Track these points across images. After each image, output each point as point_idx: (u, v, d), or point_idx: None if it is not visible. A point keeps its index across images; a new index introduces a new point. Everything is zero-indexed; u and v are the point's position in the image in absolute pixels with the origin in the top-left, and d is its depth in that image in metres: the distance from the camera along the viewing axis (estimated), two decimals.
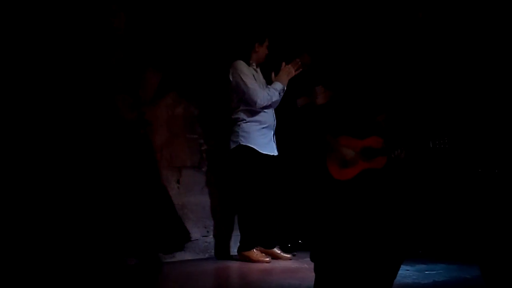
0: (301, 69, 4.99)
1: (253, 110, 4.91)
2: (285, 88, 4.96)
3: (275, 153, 5.01)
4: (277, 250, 4.97)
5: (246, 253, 4.85)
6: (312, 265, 3.23)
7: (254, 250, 4.86)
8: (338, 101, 3.94)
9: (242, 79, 4.86)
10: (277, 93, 4.90)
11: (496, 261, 3.00)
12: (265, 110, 4.94)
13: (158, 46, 4.97)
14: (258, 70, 5.08)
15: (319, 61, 5.06)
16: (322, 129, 4.02)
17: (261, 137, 4.92)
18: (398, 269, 3.13)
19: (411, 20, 3.84)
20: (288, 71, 4.95)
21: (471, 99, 3.75)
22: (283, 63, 4.96)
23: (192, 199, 5.09)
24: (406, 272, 3.95)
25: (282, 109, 5.13)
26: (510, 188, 3.05)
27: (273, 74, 4.99)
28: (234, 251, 5.10)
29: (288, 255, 4.97)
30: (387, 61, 3.90)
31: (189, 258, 4.99)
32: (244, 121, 4.90)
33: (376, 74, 3.69)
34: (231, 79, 4.90)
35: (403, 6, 3.75)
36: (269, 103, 4.89)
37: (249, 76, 4.89)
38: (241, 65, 4.91)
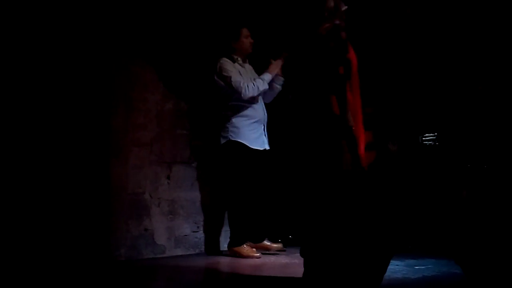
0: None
1: (241, 105, 4.90)
2: (282, 81, 5.01)
3: (267, 147, 5.00)
4: (266, 242, 4.99)
5: (236, 248, 4.85)
6: (302, 260, 3.25)
7: (245, 246, 4.86)
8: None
9: (223, 75, 4.87)
10: (263, 82, 4.90)
11: (473, 256, 3.03)
12: (253, 105, 4.93)
13: (148, 41, 4.95)
14: (246, 64, 5.08)
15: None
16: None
17: (251, 132, 4.91)
18: (387, 264, 3.15)
19: (400, 16, 3.85)
20: (277, 63, 5.01)
21: (461, 95, 3.76)
22: (271, 60, 5.01)
23: (182, 195, 5.08)
24: (396, 267, 3.96)
25: (276, 103, 5.14)
26: (498, 183, 3.06)
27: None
28: (224, 246, 5.09)
29: (278, 245, 4.99)
30: (377, 56, 3.90)
31: (180, 253, 4.98)
32: (234, 116, 4.90)
33: (366, 69, 3.68)
34: (215, 77, 4.92)
35: (391, 3, 3.75)
36: (257, 92, 4.88)
37: (232, 71, 4.89)
38: (223, 63, 4.93)
